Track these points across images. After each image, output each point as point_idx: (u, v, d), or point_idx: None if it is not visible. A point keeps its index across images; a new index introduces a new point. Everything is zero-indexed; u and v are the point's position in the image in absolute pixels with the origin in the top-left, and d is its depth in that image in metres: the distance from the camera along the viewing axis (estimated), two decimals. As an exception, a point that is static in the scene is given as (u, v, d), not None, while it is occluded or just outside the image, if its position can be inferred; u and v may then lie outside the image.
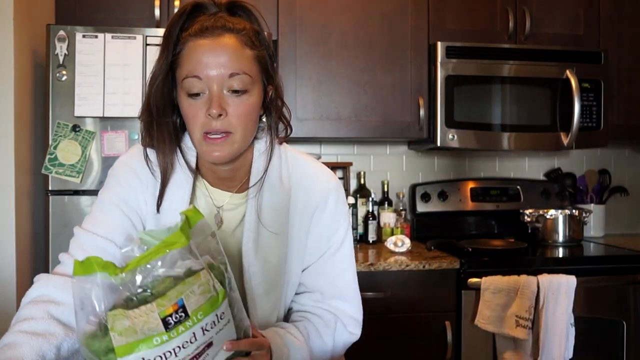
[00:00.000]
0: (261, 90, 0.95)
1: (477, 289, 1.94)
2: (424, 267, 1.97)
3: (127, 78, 1.89)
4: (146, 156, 0.98)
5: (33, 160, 1.96)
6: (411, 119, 2.30)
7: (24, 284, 1.87)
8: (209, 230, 0.81)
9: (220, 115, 0.89)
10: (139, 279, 0.71)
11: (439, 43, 2.24)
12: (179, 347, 0.71)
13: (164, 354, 0.70)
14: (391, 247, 2.17)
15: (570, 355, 1.93)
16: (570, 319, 1.93)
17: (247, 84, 0.91)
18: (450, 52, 2.24)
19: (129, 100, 1.89)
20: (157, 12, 2.09)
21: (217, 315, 0.76)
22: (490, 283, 1.92)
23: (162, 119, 0.95)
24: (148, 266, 0.72)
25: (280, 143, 1.04)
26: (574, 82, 2.28)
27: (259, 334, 0.88)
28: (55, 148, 1.85)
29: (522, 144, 2.32)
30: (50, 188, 1.87)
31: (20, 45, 1.83)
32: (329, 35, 2.25)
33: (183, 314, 0.72)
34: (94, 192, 1.88)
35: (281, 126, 1.03)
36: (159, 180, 0.98)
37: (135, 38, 1.90)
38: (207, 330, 0.74)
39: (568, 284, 1.92)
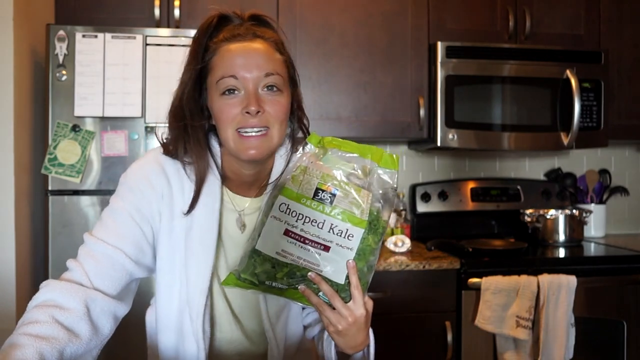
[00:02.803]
0: (289, 93, 0.99)
1: (477, 289, 1.94)
2: (424, 267, 1.97)
3: (127, 78, 1.89)
4: (183, 165, 0.99)
5: (33, 160, 1.96)
6: (411, 119, 2.30)
7: (24, 283, 1.87)
8: (393, 184, 0.89)
9: (258, 112, 0.92)
10: (332, 155, 0.89)
11: (439, 43, 2.24)
12: (308, 218, 0.85)
13: (298, 213, 0.86)
14: (391, 247, 2.17)
15: (571, 356, 1.92)
16: (570, 319, 1.92)
17: (280, 84, 0.95)
18: (450, 52, 2.24)
19: (128, 100, 1.89)
20: (157, 12, 2.09)
21: (348, 230, 0.85)
22: (490, 283, 1.91)
23: (196, 122, 0.97)
24: (344, 154, 0.89)
25: (297, 151, 1.06)
26: (574, 82, 2.28)
27: (361, 303, 0.89)
28: (55, 148, 1.85)
29: (523, 144, 2.32)
30: (49, 188, 1.87)
31: (19, 45, 1.83)
32: (329, 35, 2.25)
33: (329, 200, 0.86)
34: (93, 192, 1.88)
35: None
36: (174, 189, 0.99)
37: (135, 38, 1.89)
38: (334, 233, 0.85)
39: (568, 284, 1.92)
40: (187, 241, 0.98)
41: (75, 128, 1.86)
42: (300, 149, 0.93)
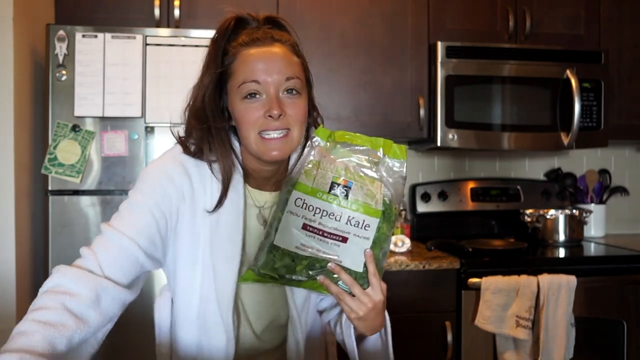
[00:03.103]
0: (307, 94, 1.02)
1: (477, 289, 1.94)
2: (424, 267, 1.97)
3: (126, 78, 1.89)
4: (209, 164, 1.01)
5: (33, 160, 1.96)
6: (411, 119, 2.30)
7: (24, 283, 1.87)
8: (403, 172, 0.92)
9: (280, 115, 0.95)
10: (341, 148, 0.92)
11: (439, 43, 2.24)
12: (325, 212, 0.88)
13: (314, 207, 0.88)
14: (391, 247, 2.17)
15: (571, 356, 1.93)
16: (570, 319, 1.92)
17: (299, 87, 0.98)
18: (450, 52, 2.24)
19: (128, 100, 1.88)
20: (157, 12, 2.09)
21: (364, 221, 0.88)
22: (490, 283, 1.91)
23: (219, 124, 1.00)
24: (355, 147, 0.91)
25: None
26: (574, 82, 2.27)
27: (378, 288, 0.93)
28: (55, 148, 1.85)
29: (523, 144, 2.32)
30: (49, 188, 1.86)
31: (19, 45, 1.83)
32: (329, 35, 2.25)
33: (345, 193, 0.89)
34: (93, 192, 1.88)
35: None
36: (196, 187, 1.00)
37: (135, 38, 1.89)
38: (351, 225, 0.88)
39: (568, 284, 1.92)
40: (213, 237, 1.00)
41: (75, 128, 1.86)
42: (309, 142, 0.95)
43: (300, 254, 0.89)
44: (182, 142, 1.02)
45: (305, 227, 0.89)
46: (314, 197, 0.89)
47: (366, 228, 0.88)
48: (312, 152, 0.93)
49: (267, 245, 0.91)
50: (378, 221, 0.89)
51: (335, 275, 0.90)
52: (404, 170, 0.92)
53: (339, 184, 0.89)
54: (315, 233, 0.88)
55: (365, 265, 0.90)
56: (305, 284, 0.92)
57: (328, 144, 0.94)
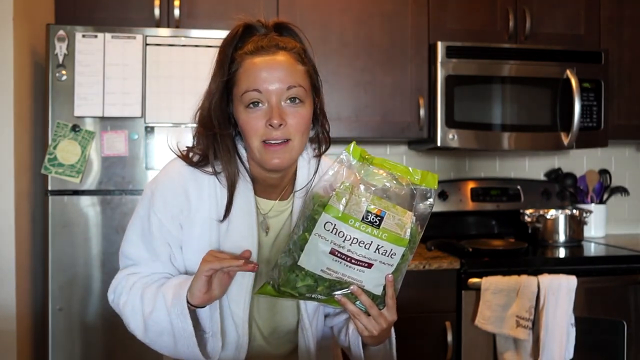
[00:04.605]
0: (312, 102, 1.02)
1: (477, 289, 1.94)
2: (424, 267, 1.97)
3: (126, 78, 1.89)
4: (216, 174, 1.02)
5: (33, 160, 1.96)
6: (411, 119, 2.30)
7: (24, 284, 1.87)
8: (432, 201, 0.94)
9: (280, 125, 0.95)
10: (377, 175, 0.91)
11: (439, 43, 2.24)
12: (356, 239, 0.87)
13: (345, 234, 0.86)
14: (391, 247, 2.17)
15: (571, 356, 1.92)
16: (570, 319, 1.92)
17: (302, 95, 0.98)
18: (450, 52, 2.24)
19: (128, 100, 1.88)
20: (156, 12, 2.09)
21: (392, 250, 0.88)
22: (490, 283, 1.91)
23: (224, 131, 1.01)
24: (385, 174, 0.91)
25: (318, 156, 1.12)
26: (574, 82, 2.27)
27: (394, 310, 0.96)
28: (54, 148, 1.85)
29: (523, 144, 2.32)
30: (49, 188, 1.86)
31: (19, 45, 1.83)
32: (329, 35, 2.25)
33: (378, 222, 0.87)
34: (93, 192, 1.88)
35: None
36: (193, 198, 1.02)
37: (135, 38, 1.89)
38: (379, 253, 0.88)
39: (568, 284, 1.92)
40: (223, 246, 1.01)
41: (75, 128, 1.86)
42: (341, 157, 0.92)
43: (324, 277, 0.89)
44: (183, 155, 1.04)
45: (333, 252, 0.87)
46: (345, 223, 0.87)
47: (392, 256, 0.89)
48: (342, 171, 0.91)
49: (290, 263, 0.90)
50: (404, 249, 0.89)
51: (353, 295, 0.91)
52: (434, 198, 0.94)
53: (372, 213, 0.88)
54: (343, 259, 0.88)
55: (384, 289, 0.91)
56: (321, 300, 0.93)
57: (360, 163, 0.92)
